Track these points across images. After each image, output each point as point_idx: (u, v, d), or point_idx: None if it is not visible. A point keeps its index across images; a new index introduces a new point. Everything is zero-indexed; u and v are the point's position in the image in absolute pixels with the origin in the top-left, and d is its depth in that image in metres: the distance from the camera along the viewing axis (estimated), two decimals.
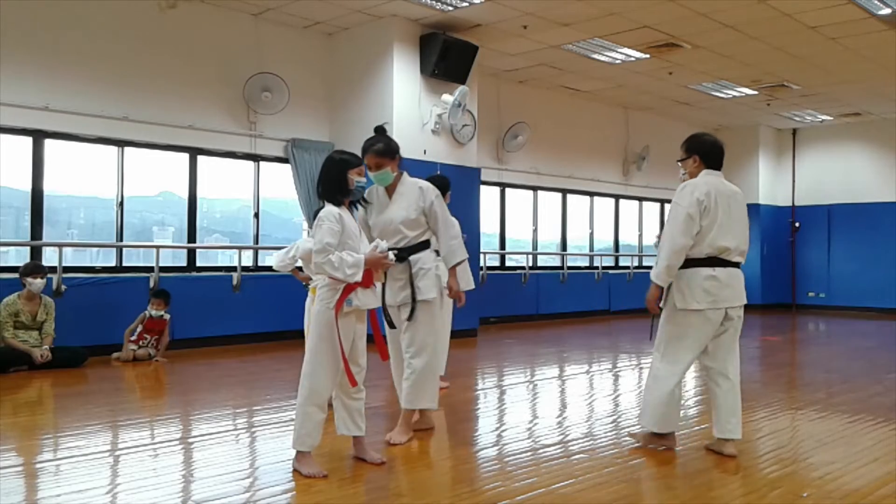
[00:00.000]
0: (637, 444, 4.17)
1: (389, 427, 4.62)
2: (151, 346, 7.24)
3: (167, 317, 7.34)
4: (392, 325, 4.28)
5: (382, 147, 4.19)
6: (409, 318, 4.22)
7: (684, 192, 3.96)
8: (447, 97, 8.88)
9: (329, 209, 3.62)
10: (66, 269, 7.34)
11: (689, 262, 3.96)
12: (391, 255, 3.72)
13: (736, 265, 4.01)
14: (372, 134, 4.27)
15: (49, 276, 7.04)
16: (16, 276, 6.80)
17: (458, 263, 4.31)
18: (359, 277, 3.54)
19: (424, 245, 4.33)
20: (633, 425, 4.79)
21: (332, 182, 3.69)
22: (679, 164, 4.19)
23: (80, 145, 7.64)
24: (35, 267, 6.74)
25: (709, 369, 4.10)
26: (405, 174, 4.36)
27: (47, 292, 6.94)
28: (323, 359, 3.59)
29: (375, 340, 3.86)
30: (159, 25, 8.06)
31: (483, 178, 10.31)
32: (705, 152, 4.08)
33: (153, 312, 7.23)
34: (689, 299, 3.95)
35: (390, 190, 4.30)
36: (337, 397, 3.73)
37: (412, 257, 4.25)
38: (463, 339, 9.35)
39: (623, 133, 13.66)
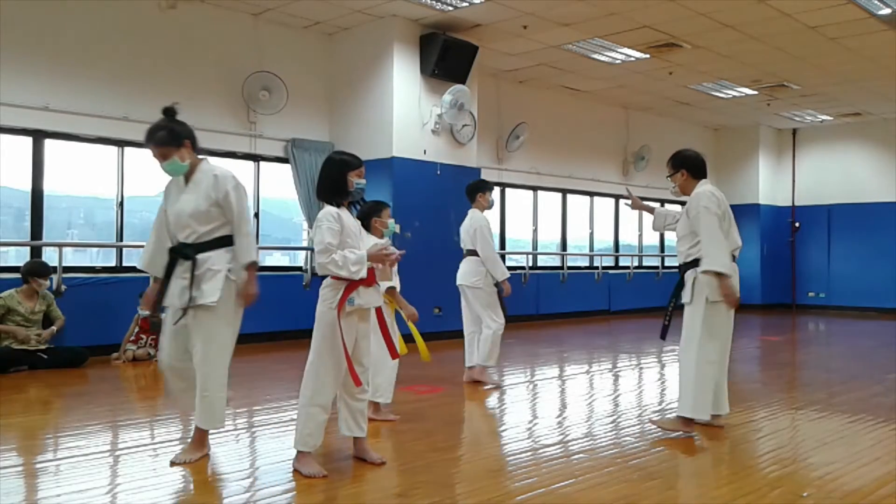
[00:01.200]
0: (663, 433, 4.41)
1: (390, 427, 4.63)
2: (150, 345, 7.24)
3: (164, 315, 7.33)
4: (156, 329, 3.98)
5: (164, 136, 3.80)
6: (176, 323, 3.74)
7: (708, 198, 4.37)
8: (447, 97, 8.89)
9: (327, 209, 3.63)
10: (66, 269, 7.34)
11: None
12: (392, 247, 3.72)
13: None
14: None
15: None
16: (16, 275, 6.80)
17: (250, 264, 3.76)
18: (364, 274, 3.54)
19: (220, 242, 3.77)
20: (634, 425, 4.79)
21: (332, 183, 3.69)
22: (668, 179, 4.67)
23: (79, 145, 7.64)
24: (43, 269, 6.73)
25: None
26: (206, 161, 3.93)
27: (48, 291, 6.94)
28: (326, 359, 3.59)
29: (384, 339, 3.86)
30: (159, 25, 8.06)
31: (483, 178, 10.30)
32: (691, 165, 4.57)
33: (142, 312, 7.22)
34: (732, 284, 4.33)
35: (190, 175, 3.87)
36: (340, 398, 3.73)
37: (200, 256, 3.71)
38: (463, 339, 9.33)
39: (623, 133, 13.66)
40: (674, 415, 4.54)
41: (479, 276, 6.09)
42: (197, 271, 3.69)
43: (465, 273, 6.18)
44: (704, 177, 4.57)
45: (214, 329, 3.73)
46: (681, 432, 4.37)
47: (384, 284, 4.32)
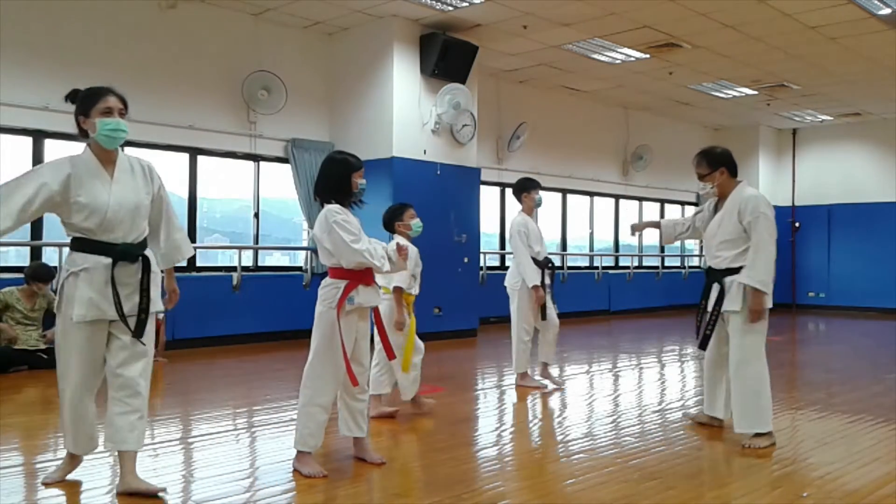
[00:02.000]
0: (757, 446, 4.11)
1: (390, 428, 4.63)
2: None
3: (161, 316, 7.33)
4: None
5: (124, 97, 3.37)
6: (139, 335, 3.29)
7: (767, 205, 4.17)
8: (444, 96, 8.89)
9: (333, 206, 3.63)
10: None
11: None
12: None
13: None
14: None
15: None
16: (17, 276, 6.80)
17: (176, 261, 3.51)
18: (388, 266, 3.64)
19: (147, 241, 3.41)
20: (634, 425, 4.78)
21: (337, 183, 3.69)
22: (703, 180, 4.36)
23: (80, 145, 7.60)
24: (46, 274, 6.73)
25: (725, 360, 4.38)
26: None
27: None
28: (326, 359, 3.59)
29: (381, 339, 3.86)
30: (159, 25, 8.06)
31: (483, 178, 10.31)
32: (728, 162, 4.33)
33: None
34: (768, 299, 4.15)
35: (106, 162, 3.35)
36: (340, 398, 3.73)
37: (148, 255, 3.33)
38: (463, 339, 9.35)
39: (623, 133, 13.66)
40: (751, 433, 4.18)
41: (516, 278, 6.00)
42: (149, 275, 3.29)
43: (508, 276, 6.15)
44: (737, 175, 4.37)
45: (150, 337, 3.38)
46: (768, 443, 4.15)
47: (394, 280, 4.48)
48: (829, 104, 13.16)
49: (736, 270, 4.16)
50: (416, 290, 4.90)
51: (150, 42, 8.01)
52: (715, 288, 4.28)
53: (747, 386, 4.15)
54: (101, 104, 3.33)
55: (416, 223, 4.81)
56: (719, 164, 4.31)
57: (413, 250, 4.63)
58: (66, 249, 7.69)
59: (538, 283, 5.87)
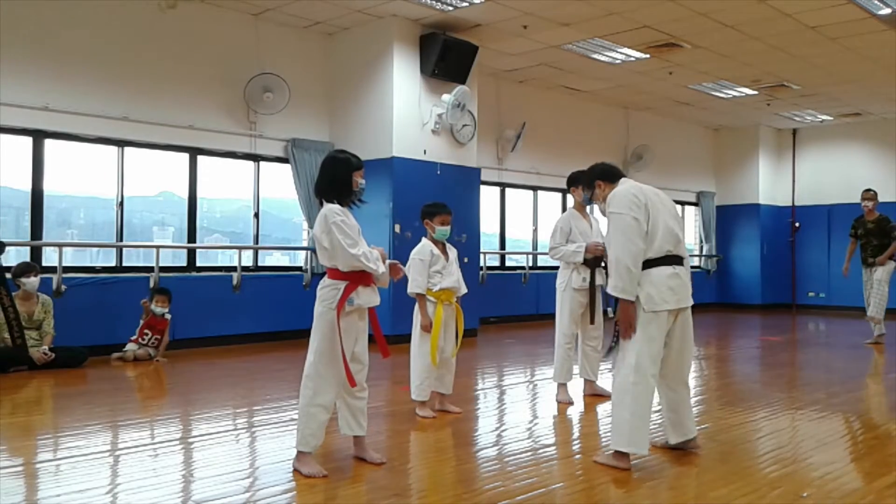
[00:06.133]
0: (602, 461, 3.80)
1: (390, 427, 4.63)
2: (152, 345, 7.24)
3: (168, 317, 7.34)
4: None
5: None
6: None
7: (616, 199, 3.82)
8: (447, 97, 8.89)
9: (334, 207, 3.63)
10: (66, 269, 7.34)
11: (650, 263, 3.74)
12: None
13: (682, 261, 3.88)
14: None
15: (49, 276, 7.04)
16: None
17: None
18: (383, 269, 3.66)
19: None
20: None
21: (339, 182, 3.69)
22: (595, 203, 4.23)
23: (80, 145, 7.63)
24: (27, 266, 6.74)
25: (664, 376, 3.89)
26: None
27: (48, 292, 6.94)
28: (327, 359, 3.59)
29: (376, 338, 3.86)
30: (159, 25, 8.06)
31: (483, 178, 10.31)
32: (602, 173, 4.15)
33: (156, 309, 7.20)
34: (658, 300, 3.68)
35: None
36: (340, 396, 3.73)
37: None
38: (463, 338, 9.34)
39: (623, 133, 13.66)
40: (611, 450, 3.79)
41: (562, 278, 5.64)
42: None
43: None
44: (622, 176, 4.06)
45: None
46: (619, 464, 3.70)
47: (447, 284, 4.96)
48: (829, 104, 13.16)
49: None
50: (446, 285, 5.01)
51: (150, 42, 8.01)
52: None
53: (616, 395, 3.77)
54: None
55: (440, 230, 5.05)
56: (595, 179, 4.14)
57: (427, 246, 5.11)
58: (67, 249, 7.70)
59: (580, 259, 5.46)
